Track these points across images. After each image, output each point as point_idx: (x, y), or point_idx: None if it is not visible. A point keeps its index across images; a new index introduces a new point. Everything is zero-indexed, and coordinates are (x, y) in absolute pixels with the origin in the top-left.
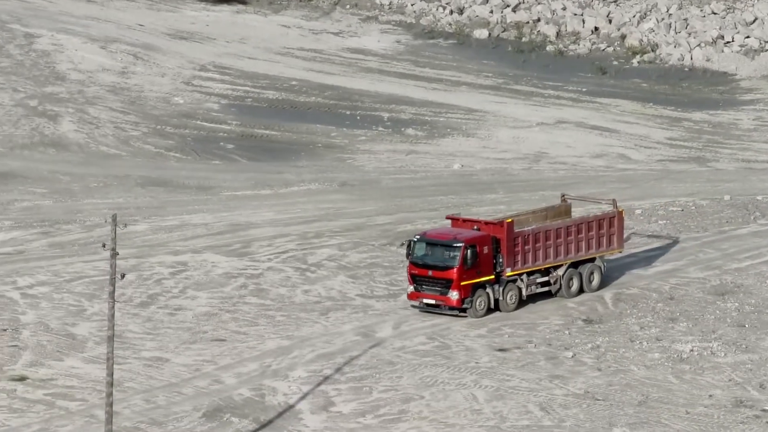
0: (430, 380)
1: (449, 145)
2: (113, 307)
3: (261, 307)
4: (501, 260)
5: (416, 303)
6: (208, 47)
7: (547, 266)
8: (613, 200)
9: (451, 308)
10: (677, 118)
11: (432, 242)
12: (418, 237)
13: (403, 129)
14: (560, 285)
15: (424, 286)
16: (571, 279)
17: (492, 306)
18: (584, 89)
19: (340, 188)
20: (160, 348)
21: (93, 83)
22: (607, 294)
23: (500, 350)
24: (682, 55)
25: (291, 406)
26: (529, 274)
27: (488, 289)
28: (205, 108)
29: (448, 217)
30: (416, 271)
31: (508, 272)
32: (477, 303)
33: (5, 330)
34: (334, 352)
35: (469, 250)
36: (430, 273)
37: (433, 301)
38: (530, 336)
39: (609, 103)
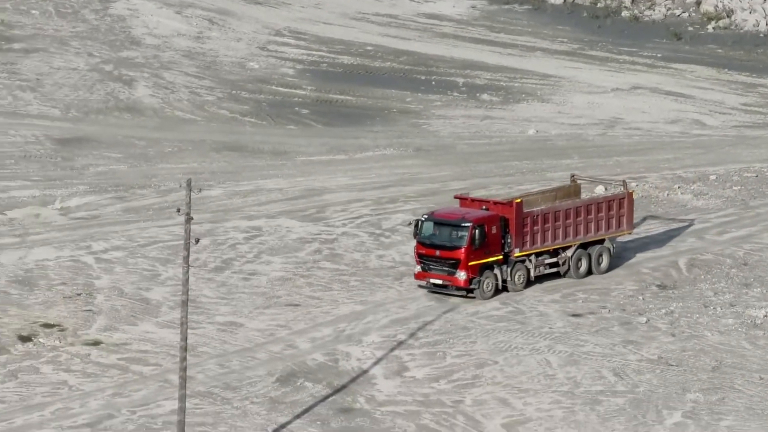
0: (504, 345)
1: (524, 111)
2: (187, 272)
3: (335, 272)
4: (509, 240)
5: (423, 283)
6: (284, 12)
7: (555, 247)
8: (624, 181)
9: (458, 288)
10: (752, 84)
11: (440, 222)
12: (425, 216)
13: (478, 94)
14: (569, 266)
15: (431, 266)
16: (580, 260)
17: (500, 287)
18: (659, 55)
19: (415, 153)
20: (234, 313)
21: (168, 48)
22: (681, 260)
23: (574, 315)
24: (757, 21)
25: (364, 371)
26: (538, 254)
27: (496, 270)
28: (280, 73)
29: (456, 197)
30: (424, 251)
31: (517, 252)
32: (484, 284)
33: (80, 295)
34: (407, 317)
35: (477, 230)
36: (437, 253)
37: (440, 281)
38: (604, 301)
39: (684, 68)
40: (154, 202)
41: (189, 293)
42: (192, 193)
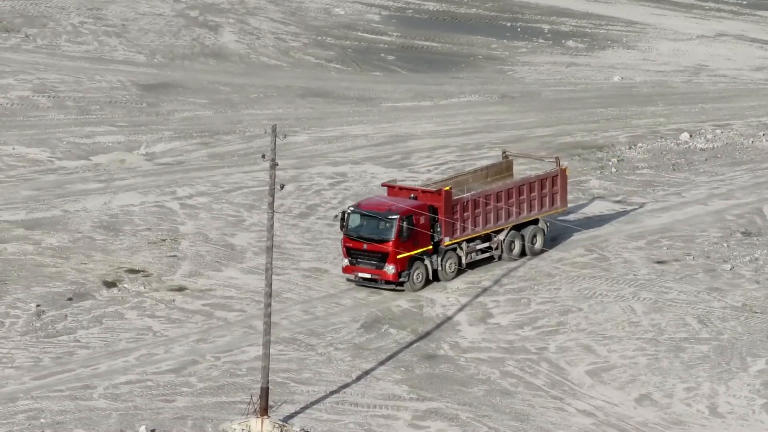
0: (588, 292)
1: (609, 58)
2: (272, 217)
3: None
4: (439, 230)
5: (351, 277)
6: None
7: (487, 232)
8: (556, 158)
9: (388, 282)
10: None
11: (366, 214)
12: (351, 209)
13: (563, 41)
14: (501, 249)
15: (359, 260)
16: (513, 242)
17: (430, 277)
18: (744, 2)
19: (500, 100)
20: (319, 259)
21: None
22: (766, 207)
23: (658, 263)
24: None
25: (449, 318)
26: (469, 241)
27: (426, 261)
28: (366, 19)
29: (383, 185)
30: (351, 244)
31: (447, 241)
32: (414, 276)
33: (164, 240)
34: (493, 264)
35: (404, 222)
36: (365, 246)
37: (369, 275)
38: (688, 248)
39: None
40: (239, 148)
41: (274, 239)
42: (277, 139)
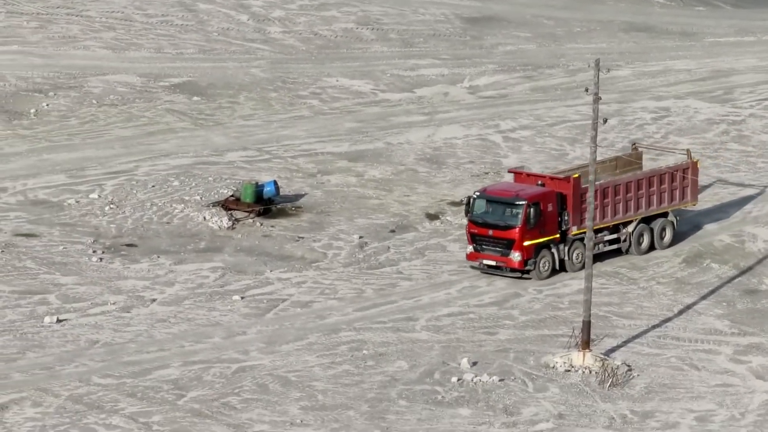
0: None
1: None
2: (595, 151)
3: (742, 153)
4: (567, 218)
5: (476, 264)
6: None
7: (615, 223)
8: (688, 150)
9: (513, 270)
10: None
11: (492, 199)
12: (477, 194)
13: None
14: (629, 242)
15: (484, 246)
16: (642, 235)
17: (557, 266)
18: None
19: None
20: None
21: None
22: None
23: None
24: None
25: None
26: (597, 231)
27: (553, 249)
28: None
29: (510, 171)
30: (476, 230)
31: (574, 230)
32: (541, 264)
33: (487, 173)
34: None
35: (532, 209)
36: (490, 232)
37: (493, 263)
38: None
39: None
40: (562, 82)
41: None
42: (600, 73)
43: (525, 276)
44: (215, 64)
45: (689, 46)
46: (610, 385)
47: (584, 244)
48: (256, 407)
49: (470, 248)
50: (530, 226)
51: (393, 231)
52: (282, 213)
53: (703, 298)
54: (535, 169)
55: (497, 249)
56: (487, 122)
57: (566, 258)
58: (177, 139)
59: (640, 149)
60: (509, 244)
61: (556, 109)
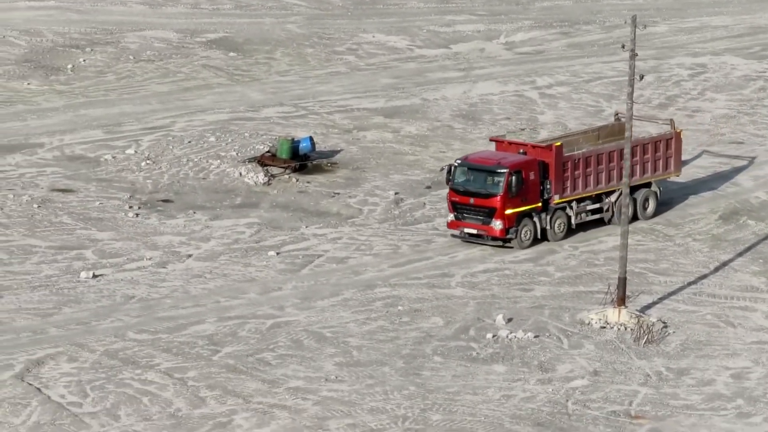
0: None
1: None
2: (631, 108)
3: None
4: (549, 187)
5: (456, 232)
6: None
7: (598, 192)
8: (671, 120)
9: (494, 239)
10: None
11: (474, 167)
12: (458, 161)
13: None
14: (612, 212)
15: (465, 215)
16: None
17: (539, 236)
18: None
19: None
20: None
21: None
22: None
23: None
24: None
25: None
26: (579, 201)
27: (534, 218)
28: None
29: (492, 139)
30: (457, 199)
31: (556, 199)
32: (522, 233)
33: (523, 129)
34: None
35: (513, 177)
36: (471, 201)
37: (474, 231)
38: None
39: None
40: (598, 38)
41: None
42: (637, 29)
43: (507, 245)
44: (252, 20)
45: (726, 2)
46: (645, 342)
47: (566, 214)
48: (291, 363)
49: (451, 216)
50: (512, 195)
51: (429, 187)
52: (318, 169)
53: (740, 254)
54: (572, 126)
55: (478, 217)
56: (523, 78)
57: (548, 227)
58: (213, 95)
59: (622, 120)
60: (491, 213)
61: (592, 65)
